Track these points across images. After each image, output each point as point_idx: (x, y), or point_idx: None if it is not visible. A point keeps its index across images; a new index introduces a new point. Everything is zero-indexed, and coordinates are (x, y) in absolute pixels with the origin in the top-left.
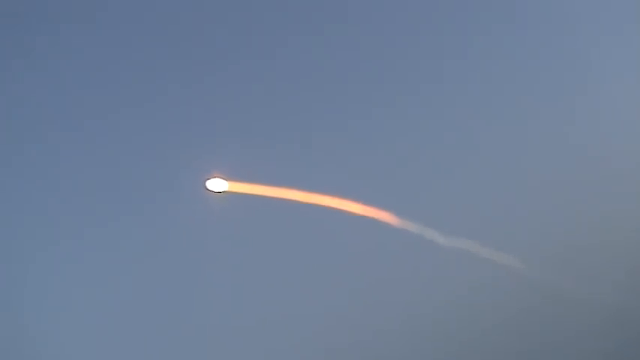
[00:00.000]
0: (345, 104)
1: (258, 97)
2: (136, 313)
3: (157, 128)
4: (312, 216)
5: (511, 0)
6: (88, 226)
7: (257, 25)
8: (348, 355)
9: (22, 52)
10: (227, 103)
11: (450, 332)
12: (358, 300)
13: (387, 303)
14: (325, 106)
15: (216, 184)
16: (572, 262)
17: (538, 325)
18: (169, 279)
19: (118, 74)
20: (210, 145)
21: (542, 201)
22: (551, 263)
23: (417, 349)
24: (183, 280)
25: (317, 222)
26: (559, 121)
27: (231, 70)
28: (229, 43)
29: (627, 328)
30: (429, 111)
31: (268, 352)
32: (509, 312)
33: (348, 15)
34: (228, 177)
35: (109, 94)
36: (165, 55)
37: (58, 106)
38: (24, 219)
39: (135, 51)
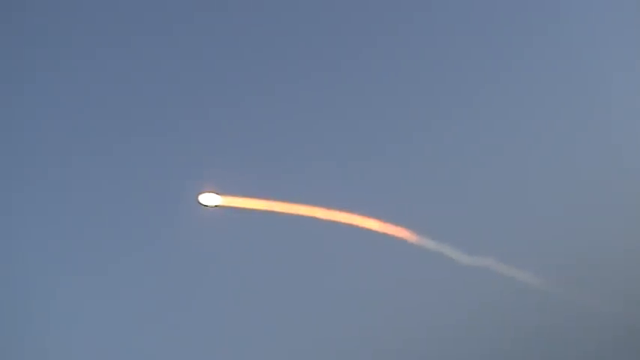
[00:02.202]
0: (350, 114)
1: (252, 108)
2: (128, 326)
3: (148, 143)
4: (310, 230)
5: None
6: (80, 241)
7: (250, 38)
8: None
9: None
10: (219, 115)
11: (468, 349)
12: (358, 316)
13: (399, 320)
14: (326, 118)
15: (209, 199)
16: (594, 278)
17: (558, 342)
18: (162, 295)
19: (110, 89)
20: (201, 159)
21: (564, 218)
22: (572, 279)
23: None
24: (177, 295)
25: (315, 236)
26: (585, 140)
27: (223, 82)
28: (221, 58)
29: None
30: (445, 123)
31: None
32: (529, 329)
33: (352, 20)
34: (221, 191)
35: (101, 110)
36: (157, 70)
37: (52, 119)
38: (21, 231)
39: (127, 66)
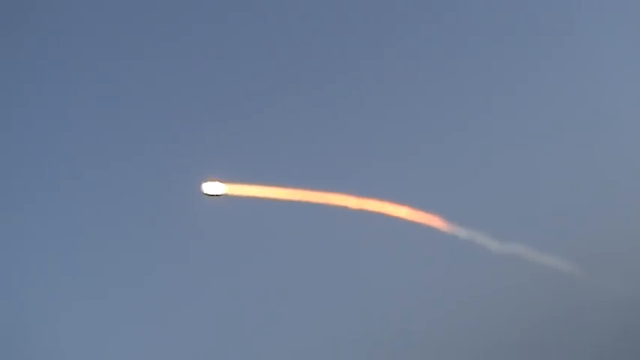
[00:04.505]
0: (374, 97)
1: (257, 92)
2: (131, 317)
3: (150, 131)
4: (321, 218)
5: None
6: (82, 231)
7: (252, 26)
8: None
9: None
10: (222, 100)
11: (499, 337)
12: (370, 306)
13: (428, 310)
14: (337, 101)
15: (213, 187)
16: (627, 265)
17: (590, 329)
18: (166, 287)
19: (112, 78)
20: (204, 146)
21: (597, 204)
22: (603, 266)
23: (464, 356)
24: (180, 290)
25: (326, 224)
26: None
27: (225, 70)
28: (224, 45)
29: None
30: (475, 109)
31: None
32: (562, 316)
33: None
34: (225, 179)
35: (102, 98)
36: (159, 59)
37: (52, 107)
38: (22, 222)
39: (129, 54)
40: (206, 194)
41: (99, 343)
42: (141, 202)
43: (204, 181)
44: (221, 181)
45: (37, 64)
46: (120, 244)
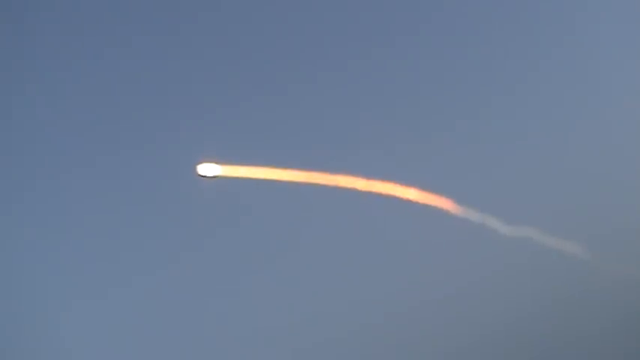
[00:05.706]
0: (374, 77)
1: (262, 70)
2: (127, 301)
3: (145, 112)
4: (328, 199)
5: None
6: (78, 215)
7: (249, 7)
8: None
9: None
10: (223, 78)
11: (509, 319)
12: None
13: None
14: (345, 81)
15: (208, 169)
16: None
17: (603, 315)
18: (162, 271)
19: (109, 63)
20: (199, 128)
21: (606, 188)
22: (614, 250)
23: (475, 339)
24: (177, 272)
25: (334, 206)
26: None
27: (219, 52)
28: (219, 30)
29: None
30: (487, 93)
31: (264, 348)
32: (572, 300)
33: None
34: (220, 160)
35: (99, 82)
36: (155, 44)
37: (48, 93)
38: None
39: (127, 39)
40: (201, 176)
41: (95, 324)
42: (136, 183)
43: (199, 163)
44: (217, 163)
45: (34, 42)
46: (115, 227)
